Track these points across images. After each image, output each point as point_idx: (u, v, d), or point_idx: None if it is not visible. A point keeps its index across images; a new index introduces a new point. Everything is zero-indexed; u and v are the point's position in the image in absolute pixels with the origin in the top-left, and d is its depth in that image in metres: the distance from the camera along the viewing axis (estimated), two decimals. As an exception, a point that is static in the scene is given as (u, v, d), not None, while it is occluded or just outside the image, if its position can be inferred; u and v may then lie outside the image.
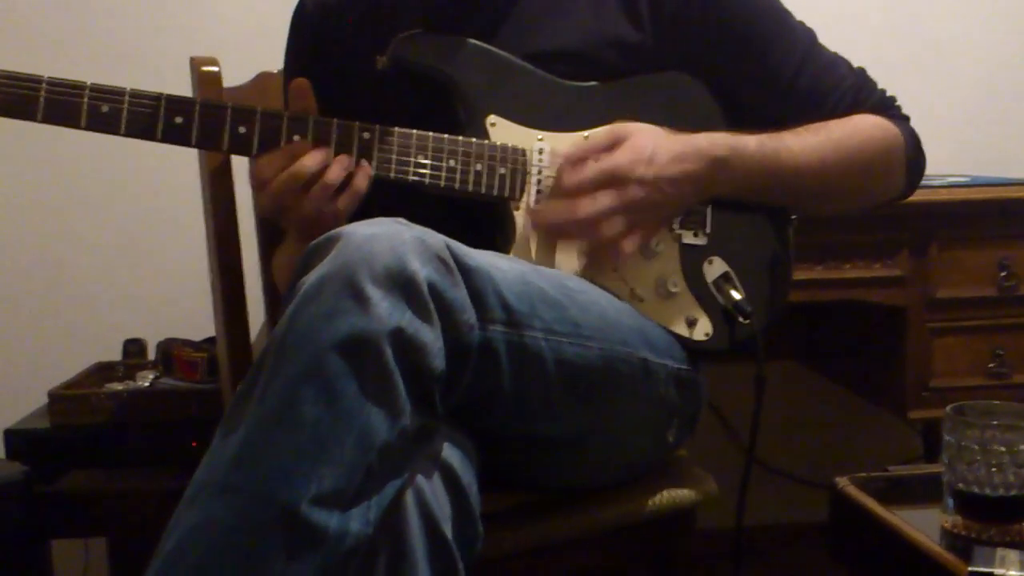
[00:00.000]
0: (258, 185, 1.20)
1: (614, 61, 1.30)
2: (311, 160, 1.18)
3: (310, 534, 0.88)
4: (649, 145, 1.23)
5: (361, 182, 1.20)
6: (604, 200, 1.21)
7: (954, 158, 2.16)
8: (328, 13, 1.39)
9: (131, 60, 2.12)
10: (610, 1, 1.32)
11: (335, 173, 1.18)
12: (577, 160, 1.23)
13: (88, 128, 1.15)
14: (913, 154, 1.39)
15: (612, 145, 1.23)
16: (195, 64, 1.54)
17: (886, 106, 1.39)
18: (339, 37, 1.37)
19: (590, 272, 1.26)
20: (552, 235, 1.25)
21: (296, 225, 1.23)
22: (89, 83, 1.14)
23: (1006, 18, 2.38)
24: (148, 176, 2.14)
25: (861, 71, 1.40)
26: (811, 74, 1.35)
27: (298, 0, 1.43)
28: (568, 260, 1.25)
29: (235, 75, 1.59)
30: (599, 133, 1.26)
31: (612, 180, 1.21)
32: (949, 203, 1.84)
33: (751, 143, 1.28)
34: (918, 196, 1.79)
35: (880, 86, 1.41)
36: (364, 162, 1.20)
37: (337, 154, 1.20)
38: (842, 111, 1.35)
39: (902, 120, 1.40)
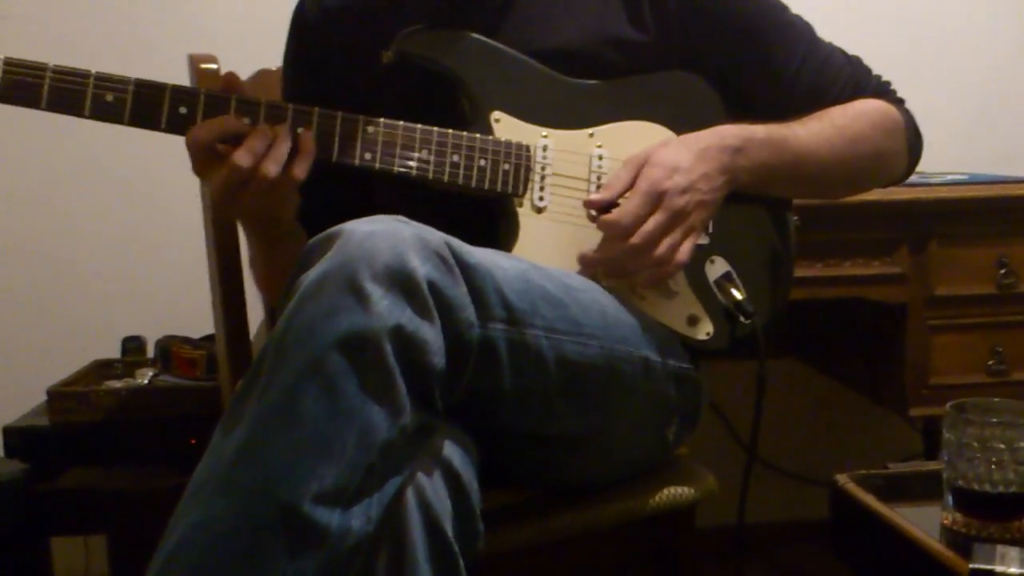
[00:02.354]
0: (200, 159, 1.15)
1: (616, 60, 1.30)
2: (265, 129, 1.15)
3: (311, 532, 0.88)
4: (670, 155, 1.23)
5: (308, 144, 1.17)
6: (654, 221, 1.20)
7: (953, 155, 2.16)
8: (329, 10, 1.39)
9: (130, 57, 2.11)
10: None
11: (286, 133, 1.15)
12: (610, 200, 1.22)
13: (92, 116, 1.14)
14: (912, 135, 1.41)
15: (636, 172, 1.23)
16: (194, 61, 1.54)
17: (883, 91, 1.41)
18: (341, 33, 1.37)
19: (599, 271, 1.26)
20: (616, 273, 1.24)
21: (250, 208, 1.19)
22: (94, 71, 1.14)
23: (1006, 16, 2.39)
24: (147, 173, 2.14)
25: (856, 59, 1.41)
26: (812, 68, 1.36)
27: (298, -2, 1.43)
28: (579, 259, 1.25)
29: (235, 72, 1.58)
30: (618, 171, 1.25)
31: (655, 199, 1.21)
32: (948, 200, 1.84)
33: (760, 131, 1.29)
34: (917, 193, 1.80)
35: (875, 72, 1.42)
36: (302, 130, 1.18)
37: (341, 147, 1.19)
38: (843, 101, 1.37)
39: (898, 103, 1.42)
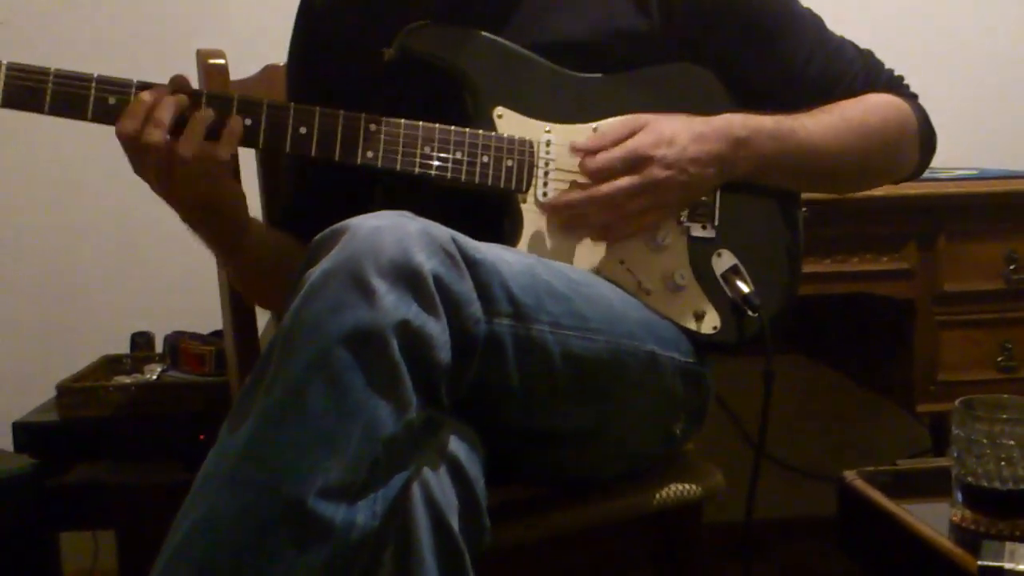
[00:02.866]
0: (131, 152, 1.16)
1: (623, 52, 1.30)
2: (172, 100, 1.14)
3: (317, 527, 0.88)
4: (669, 128, 1.24)
5: (235, 125, 1.16)
6: (626, 180, 1.22)
7: (962, 151, 2.14)
8: (334, 5, 1.39)
9: (138, 52, 2.11)
10: (619, -9, 1.31)
11: (203, 112, 1.15)
12: (597, 149, 1.24)
13: (94, 120, 1.15)
14: (925, 131, 1.40)
15: (631, 132, 1.24)
16: (201, 56, 1.54)
17: (895, 85, 1.40)
18: (345, 29, 1.37)
19: (607, 266, 1.25)
20: (571, 219, 1.25)
21: (186, 196, 1.18)
22: (96, 75, 1.14)
23: (1015, 11, 2.37)
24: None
25: (868, 53, 1.40)
26: (821, 61, 1.35)
27: (304, -8, 1.43)
28: (587, 255, 1.25)
29: (242, 67, 1.59)
30: (615, 122, 1.26)
31: (634, 162, 1.22)
32: (957, 196, 1.84)
33: (768, 122, 1.28)
34: (926, 189, 1.80)
35: (887, 66, 1.41)
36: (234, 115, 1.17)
37: (343, 146, 1.20)
38: (854, 95, 1.36)
39: (911, 97, 1.41)
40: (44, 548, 1.83)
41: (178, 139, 1.14)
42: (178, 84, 1.17)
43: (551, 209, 1.25)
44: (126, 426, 1.83)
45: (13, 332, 2.16)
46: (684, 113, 1.28)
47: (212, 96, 1.17)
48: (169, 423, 1.83)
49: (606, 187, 1.22)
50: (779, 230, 1.35)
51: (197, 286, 2.07)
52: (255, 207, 1.64)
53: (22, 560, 1.71)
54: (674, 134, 1.23)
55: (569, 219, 1.25)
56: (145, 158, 1.15)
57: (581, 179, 1.26)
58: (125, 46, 2.12)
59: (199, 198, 1.19)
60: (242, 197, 1.23)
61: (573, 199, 1.24)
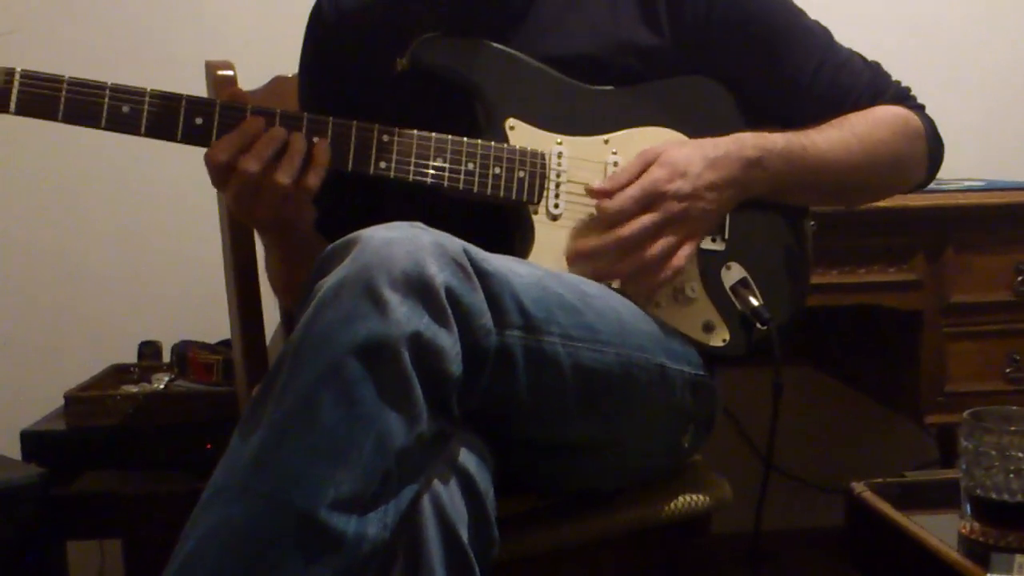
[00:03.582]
0: (219, 174, 1.17)
1: (632, 65, 1.30)
2: (275, 134, 1.16)
3: (327, 538, 0.89)
4: (682, 158, 1.23)
5: (322, 155, 1.18)
6: (645, 220, 1.20)
7: (970, 162, 2.14)
8: (345, 16, 1.39)
9: (147, 63, 2.12)
10: (628, 5, 1.31)
11: (300, 142, 1.17)
12: (612, 190, 1.22)
13: (108, 128, 1.15)
14: (933, 142, 1.40)
15: (643, 167, 1.23)
16: (210, 68, 1.54)
17: (902, 97, 1.40)
18: (356, 40, 1.37)
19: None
20: (597, 271, 1.22)
21: (266, 217, 1.20)
22: (110, 83, 1.14)
23: (1023, 22, 2.37)
24: (164, 178, 2.15)
25: (876, 64, 1.40)
26: (830, 73, 1.35)
27: (315, 3, 1.43)
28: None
29: (251, 78, 1.59)
30: (627, 162, 1.25)
31: (652, 199, 1.21)
32: (964, 207, 1.84)
33: (779, 141, 1.28)
34: (933, 200, 1.80)
35: (895, 78, 1.41)
36: (317, 139, 1.18)
37: (356, 156, 1.20)
38: (863, 107, 1.36)
39: (919, 109, 1.41)
40: (51, 557, 1.82)
41: (275, 169, 1.15)
42: (253, 106, 1.18)
43: (575, 259, 1.23)
44: (134, 435, 1.83)
45: (21, 341, 2.16)
46: (695, 126, 1.29)
47: (286, 116, 1.18)
48: (176, 432, 1.83)
49: (625, 230, 1.20)
50: (788, 243, 1.35)
51: (205, 296, 2.08)
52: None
53: (29, 569, 1.71)
54: (688, 163, 1.22)
55: (596, 270, 1.22)
56: (234, 184, 1.16)
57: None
58: (135, 57, 2.13)
59: (279, 220, 1.20)
60: (313, 214, 1.24)
61: (594, 247, 1.22)
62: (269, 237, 1.32)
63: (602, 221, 1.22)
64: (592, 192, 1.24)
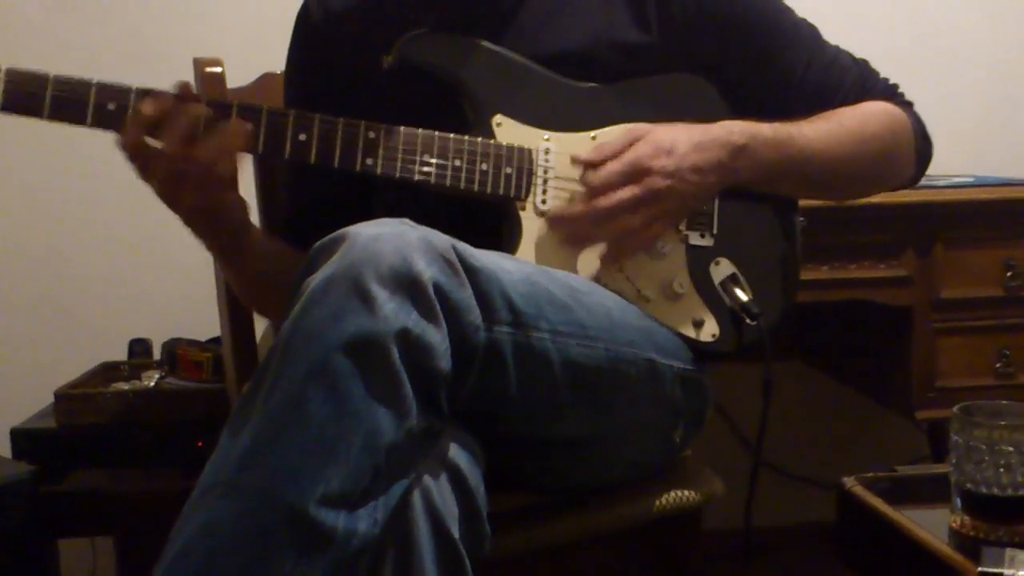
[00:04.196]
0: (138, 156, 1.15)
1: (621, 63, 1.30)
2: (190, 111, 1.14)
3: (317, 535, 0.88)
4: (668, 138, 1.23)
5: (239, 132, 1.16)
6: (627, 192, 1.21)
7: (959, 158, 2.14)
8: (332, 14, 1.39)
9: (135, 60, 2.12)
10: (618, 2, 1.31)
11: (221, 122, 1.15)
12: (597, 161, 1.23)
13: (94, 126, 1.14)
14: (921, 139, 1.40)
15: (630, 143, 1.24)
16: (199, 65, 1.54)
17: (890, 93, 1.41)
18: (344, 37, 1.37)
19: (606, 274, 1.25)
20: (574, 234, 1.24)
21: (192, 205, 1.19)
22: (95, 80, 1.14)
23: (1012, 18, 2.38)
24: (153, 176, 2.14)
25: (864, 62, 1.41)
26: (818, 71, 1.36)
27: (303, 1, 1.43)
28: (586, 263, 1.25)
29: (239, 76, 1.59)
30: (614, 132, 1.27)
31: (634, 173, 1.22)
32: (954, 203, 1.84)
33: (766, 129, 1.28)
34: (923, 196, 1.80)
35: (882, 75, 1.42)
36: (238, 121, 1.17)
37: (342, 153, 1.20)
38: (850, 104, 1.37)
39: (907, 106, 1.41)
40: (42, 555, 1.82)
41: (192, 148, 1.13)
42: (183, 91, 1.17)
43: (553, 222, 1.25)
44: (124, 433, 1.83)
45: (11, 338, 2.16)
46: (682, 121, 1.28)
47: (213, 103, 1.17)
48: (167, 430, 1.83)
49: (606, 200, 1.21)
50: (777, 238, 1.35)
51: (195, 293, 2.07)
52: (252, 211, 1.65)
53: (20, 567, 1.71)
54: (673, 143, 1.23)
55: (573, 234, 1.24)
56: (153, 166, 1.15)
57: (581, 188, 1.26)
58: (123, 53, 2.12)
59: (204, 206, 1.19)
60: (243, 203, 1.23)
61: (575, 212, 1.24)
62: (204, 239, 1.28)
63: (586, 191, 1.23)
64: (577, 161, 1.25)
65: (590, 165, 1.24)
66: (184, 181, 1.15)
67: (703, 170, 1.24)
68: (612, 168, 1.22)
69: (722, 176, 1.26)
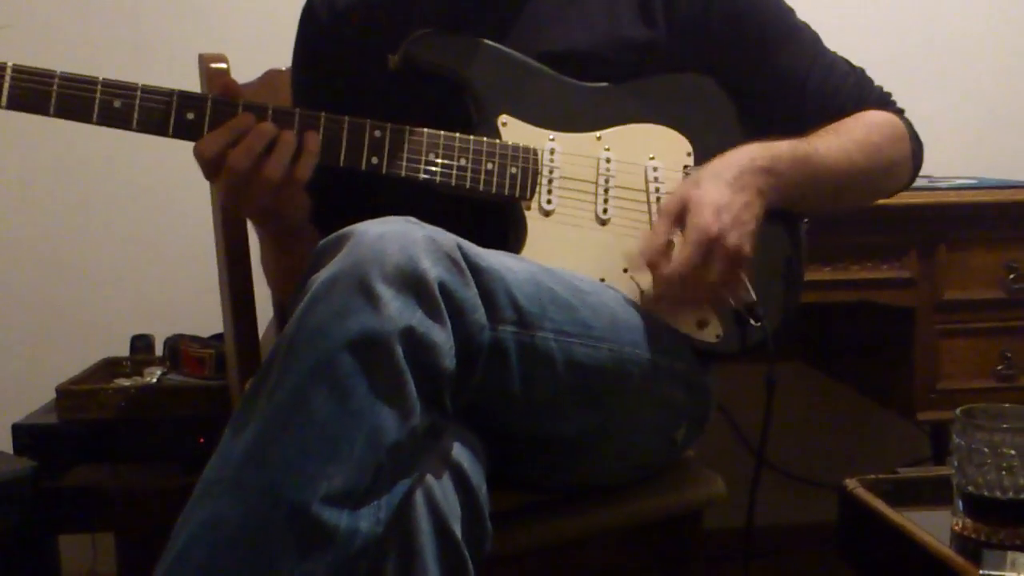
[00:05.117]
0: (209, 168, 1.16)
1: (627, 61, 1.30)
2: (263, 129, 1.15)
3: (320, 533, 0.88)
4: (709, 195, 1.20)
5: (312, 145, 1.17)
6: (718, 268, 1.19)
7: (962, 160, 2.15)
8: (338, 12, 1.39)
9: (140, 57, 2.12)
10: (624, 1, 1.32)
11: (289, 136, 1.16)
12: (654, 249, 1.21)
13: (100, 123, 1.14)
14: (915, 145, 1.41)
15: (675, 218, 1.21)
16: (204, 61, 1.54)
17: (885, 101, 1.42)
18: (349, 36, 1.37)
19: (608, 273, 1.25)
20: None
21: (257, 209, 1.21)
22: (101, 78, 1.14)
23: (1017, 21, 2.38)
24: (156, 172, 2.14)
25: (860, 70, 1.42)
26: (819, 74, 1.36)
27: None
28: (590, 262, 1.25)
29: (244, 72, 1.59)
30: (656, 222, 1.24)
31: (708, 246, 1.19)
32: (957, 205, 1.84)
33: (784, 149, 1.28)
34: (926, 198, 1.80)
35: (877, 83, 1.43)
36: (310, 132, 1.18)
37: (348, 152, 1.20)
38: (850, 109, 1.37)
39: (899, 114, 1.42)
40: (43, 550, 1.83)
41: (264, 162, 1.14)
42: (241, 98, 1.18)
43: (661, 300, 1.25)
44: (126, 429, 1.83)
45: (13, 334, 2.16)
46: (688, 123, 1.29)
47: (278, 112, 1.17)
48: (169, 426, 1.83)
49: (698, 289, 1.21)
50: (782, 240, 1.35)
51: (197, 289, 2.08)
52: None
53: (21, 562, 1.71)
54: (719, 199, 1.20)
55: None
56: (225, 178, 1.16)
57: (584, 187, 1.26)
58: (128, 50, 2.12)
59: (270, 211, 1.20)
60: (306, 203, 1.23)
61: (686, 297, 1.24)
62: (262, 229, 1.32)
63: (667, 286, 1.21)
64: (643, 263, 1.22)
65: (654, 264, 1.21)
66: (252, 191, 1.16)
67: (752, 204, 1.22)
68: (688, 254, 1.18)
69: (764, 200, 1.25)
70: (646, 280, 1.27)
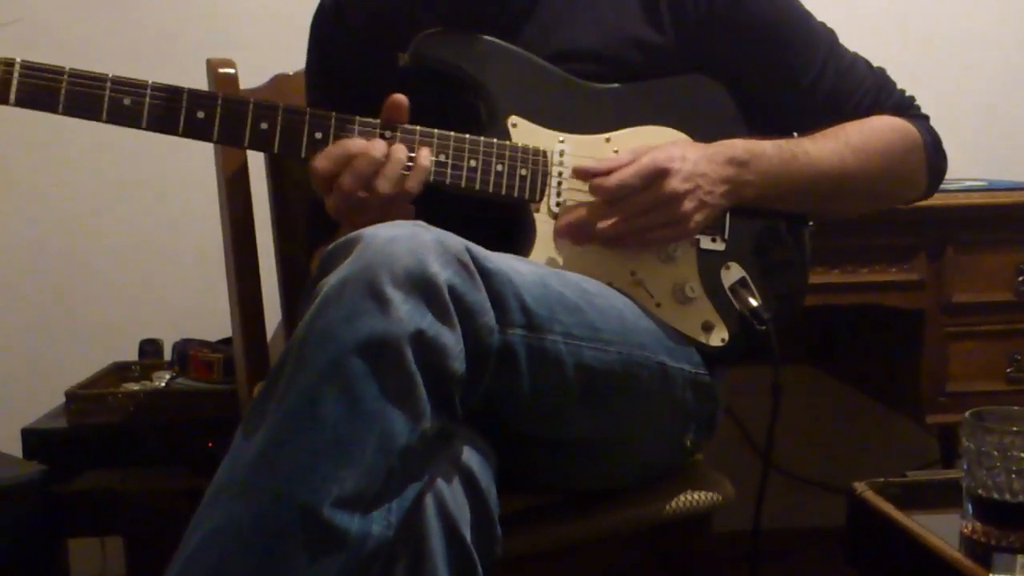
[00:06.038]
0: (321, 184, 1.18)
1: (635, 62, 1.30)
2: (374, 149, 1.17)
3: (331, 536, 0.89)
4: (677, 149, 1.23)
5: (425, 159, 1.19)
6: (658, 217, 1.20)
7: (971, 162, 2.14)
8: (347, 12, 1.39)
9: (148, 61, 2.11)
10: (631, 2, 1.32)
11: (401, 152, 1.17)
12: (608, 169, 1.22)
13: (109, 121, 1.13)
14: (933, 154, 1.39)
15: (637, 157, 1.22)
16: (212, 66, 1.55)
17: (905, 106, 1.40)
18: (360, 36, 1.37)
19: (618, 277, 1.25)
20: (585, 233, 1.23)
21: (366, 221, 1.17)
22: (111, 75, 1.13)
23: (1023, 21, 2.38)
24: (165, 176, 2.15)
25: (881, 71, 1.40)
26: (832, 76, 1.35)
27: (319, 1, 1.43)
28: (599, 266, 1.25)
29: (251, 77, 1.59)
30: (619, 155, 1.25)
31: (653, 174, 1.20)
32: (966, 207, 1.84)
33: (768, 146, 1.28)
34: (935, 200, 1.79)
35: (899, 86, 1.41)
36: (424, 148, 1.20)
37: None
38: (862, 112, 1.36)
39: (922, 120, 1.40)
40: (52, 554, 1.83)
41: (374, 180, 1.15)
42: (398, 105, 1.19)
43: (569, 227, 1.24)
44: (135, 433, 1.83)
45: (22, 338, 2.17)
46: (695, 124, 1.29)
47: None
48: (177, 430, 1.83)
49: (627, 205, 1.20)
50: (786, 243, 1.35)
51: (206, 294, 2.08)
52: (263, 212, 1.65)
53: (30, 566, 1.71)
54: (684, 153, 1.23)
55: (584, 233, 1.23)
56: (336, 195, 1.17)
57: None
58: (136, 54, 2.13)
59: (377, 221, 1.19)
60: (411, 214, 1.23)
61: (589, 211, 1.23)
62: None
63: (600, 196, 1.22)
64: (578, 170, 1.23)
65: (599, 173, 1.22)
66: (361, 208, 1.17)
67: (713, 180, 1.23)
68: (629, 170, 1.20)
69: (729, 189, 1.25)
70: (654, 283, 1.27)
